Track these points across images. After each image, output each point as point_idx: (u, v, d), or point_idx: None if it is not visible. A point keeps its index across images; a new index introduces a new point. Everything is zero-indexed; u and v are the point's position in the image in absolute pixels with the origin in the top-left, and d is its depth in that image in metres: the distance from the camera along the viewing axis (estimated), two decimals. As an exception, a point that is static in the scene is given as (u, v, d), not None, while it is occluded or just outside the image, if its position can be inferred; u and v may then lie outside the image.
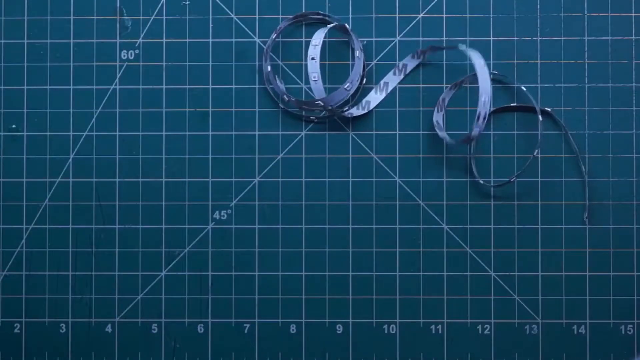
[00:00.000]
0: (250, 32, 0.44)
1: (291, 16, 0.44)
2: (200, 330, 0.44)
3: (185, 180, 0.44)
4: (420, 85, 0.44)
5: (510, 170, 0.44)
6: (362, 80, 0.44)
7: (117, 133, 0.45)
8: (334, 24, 0.43)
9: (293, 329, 0.44)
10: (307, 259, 0.44)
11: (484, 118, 0.40)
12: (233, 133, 0.44)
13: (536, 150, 0.43)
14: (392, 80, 0.43)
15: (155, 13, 0.45)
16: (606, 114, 0.44)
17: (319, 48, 0.41)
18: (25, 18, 0.45)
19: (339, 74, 0.44)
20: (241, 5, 0.44)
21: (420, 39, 0.44)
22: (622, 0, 0.44)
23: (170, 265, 0.44)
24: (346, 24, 0.43)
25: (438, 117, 0.43)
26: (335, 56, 0.44)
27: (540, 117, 0.43)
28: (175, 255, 0.44)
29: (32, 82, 0.45)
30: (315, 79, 0.41)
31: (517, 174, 0.43)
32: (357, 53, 0.42)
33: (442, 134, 0.43)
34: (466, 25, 0.44)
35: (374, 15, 0.44)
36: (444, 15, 0.44)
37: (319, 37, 0.41)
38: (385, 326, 0.44)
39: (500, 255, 0.44)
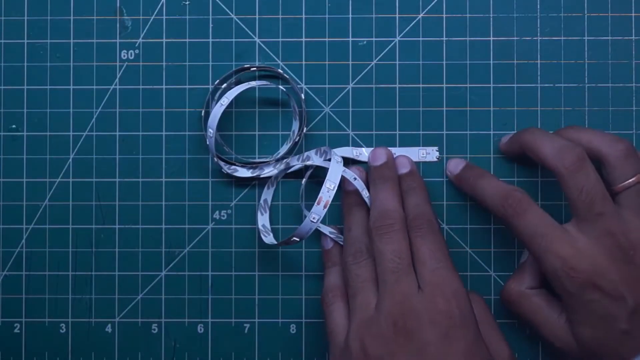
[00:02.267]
0: (250, 32, 0.44)
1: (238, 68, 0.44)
2: (200, 330, 0.44)
3: (185, 180, 0.44)
4: (421, 85, 0.44)
5: (511, 170, 0.44)
6: (302, 131, 0.43)
7: (117, 133, 0.45)
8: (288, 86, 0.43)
9: (293, 329, 0.44)
10: (307, 259, 0.44)
11: (325, 206, 0.40)
12: (233, 133, 0.44)
13: None
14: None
15: (155, 13, 0.45)
16: (606, 114, 0.44)
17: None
18: (25, 18, 0.45)
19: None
20: (241, 5, 0.44)
21: (420, 39, 0.44)
22: (622, 0, 0.44)
23: (170, 265, 0.44)
24: (296, 88, 0.43)
25: (264, 220, 0.44)
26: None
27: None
28: (175, 255, 0.44)
29: (32, 82, 0.45)
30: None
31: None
32: (293, 126, 0.42)
33: (269, 239, 0.43)
34: (466, 25, 0.44)
35: (374, 15, 0.44)
36: (444, 15, 0.44)
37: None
38: (385, 326, 0.44)
39: (500, 255, 0.44)
